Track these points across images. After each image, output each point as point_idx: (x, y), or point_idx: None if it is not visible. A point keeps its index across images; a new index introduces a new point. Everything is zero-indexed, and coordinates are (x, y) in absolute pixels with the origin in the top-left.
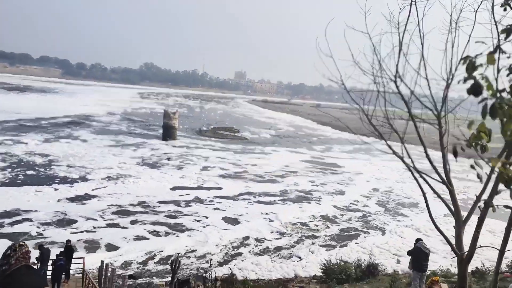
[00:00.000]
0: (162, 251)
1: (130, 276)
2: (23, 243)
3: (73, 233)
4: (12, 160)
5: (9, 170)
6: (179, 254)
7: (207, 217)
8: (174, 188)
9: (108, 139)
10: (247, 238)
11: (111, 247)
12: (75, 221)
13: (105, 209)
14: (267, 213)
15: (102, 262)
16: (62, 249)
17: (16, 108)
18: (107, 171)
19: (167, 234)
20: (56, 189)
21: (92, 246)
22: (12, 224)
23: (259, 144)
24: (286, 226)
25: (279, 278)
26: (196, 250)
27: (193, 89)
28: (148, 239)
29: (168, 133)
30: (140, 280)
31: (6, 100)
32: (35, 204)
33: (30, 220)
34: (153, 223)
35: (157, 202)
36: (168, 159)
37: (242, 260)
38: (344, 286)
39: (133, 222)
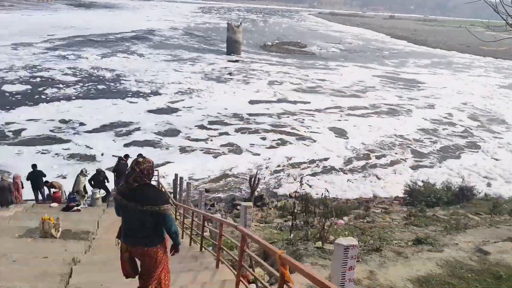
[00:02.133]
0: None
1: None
2: (147, 158)
3: (191, 140)
4: (82, 75)
5: (81, 84)
6: (259, 169)
7: (316, 129)
8: (252, 102)
9: (165, 53)
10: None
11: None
12: (179, 132)
13: (201, 119)
14: (370, 126)
15: (176, 175)
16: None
17: (85, 23)
18: (177, 86)
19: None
20: (132, 102)
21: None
22: (127, 133)
23: (327, 59)
24: (379, 141)
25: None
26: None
27: (256, 2)
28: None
29: (232, 48)
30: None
31: (75, 16)
32: (130, 116)
33: (138, 129)
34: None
35: (247, 114)
36: (231, 73)
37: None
38: (435, 210)
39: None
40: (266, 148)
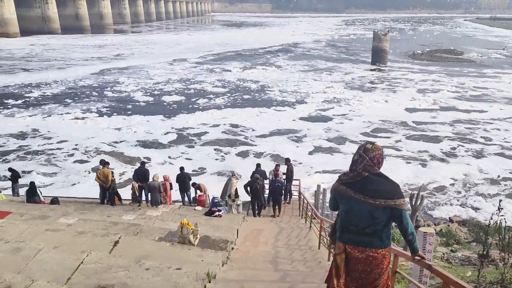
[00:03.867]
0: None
1: None
2: (377, 145)
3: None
4: (229, 86)
5: (229, 94)
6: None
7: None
8: (410, 110)
9: (301, 64)
10: None
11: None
12: (348, 138)
13: (364, 126)
14: None
15: (318, 186)
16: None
17: (237, 40)
18: (322, 95)
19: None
20: (279, 111)
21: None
22: (298, 139)
23: (489, 66)
24: None
25: None
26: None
27: (403, 11)
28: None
29: (378, 57)
30: None
31: (230, 34)
32: (287, 123)
33: (306, 136)
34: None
35: (412, 121)
36: (372, 82)
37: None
38: None
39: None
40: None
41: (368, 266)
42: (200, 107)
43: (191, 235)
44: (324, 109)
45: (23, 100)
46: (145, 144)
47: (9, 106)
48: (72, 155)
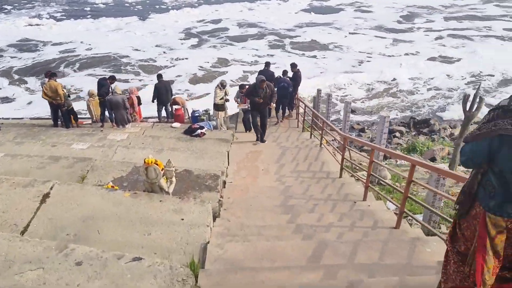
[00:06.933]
0: None
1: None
2: None
3: None
4: None
5: None
6: None
7: None
8: None
9: None
10: None
11: None
12: None
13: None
14: None
15: (319, 91)
16: None
17: None
18: None
19: None
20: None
21: None
22: None
23: None
24: None
25: None
26: None
27: None
28: None
29: None
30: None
31: None
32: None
33: None
34: None
35: None
36: None
37: None
38: None
39: None
40: None
41: None
42: (169, 7)
43: (162, 179)
44: None
45: None
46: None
47: None
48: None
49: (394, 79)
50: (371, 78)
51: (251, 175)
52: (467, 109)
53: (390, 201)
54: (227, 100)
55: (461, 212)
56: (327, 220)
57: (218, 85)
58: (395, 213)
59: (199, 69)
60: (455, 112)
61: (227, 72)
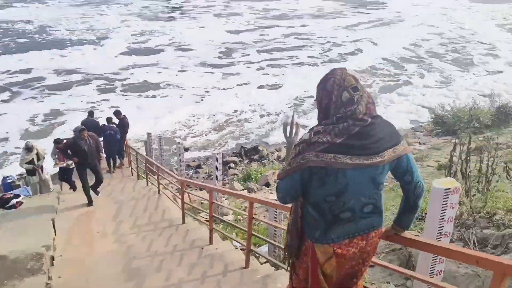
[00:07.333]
0: None
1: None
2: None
3: None
4: None
5: None
6: None
7: None
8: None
9: None
10: None
11: None
12: None
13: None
14: None
15: (149, 134)
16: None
17: None
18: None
19: None
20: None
21: None
22: None
23: None
24: None
25: None
26: None
27: None
28: None
29: None
30: None
31: None
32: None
33: None
34: None
35: None
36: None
37: None
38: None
39: None
40: None
41: (365, 255)
42: None
43: None
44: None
45: None
46: None
47: None
48: None
49: (236, 111)
50: (215, 110)
51: (85, 242)
52: (288, 135)
53: (235, 241)
54: (38, 166)
55: (294, 253)
56: (177, 276)
57: (23, 148)
58: (241, 249)
59: (31, 124)
60: (279, 137)
61: (66, 121)
